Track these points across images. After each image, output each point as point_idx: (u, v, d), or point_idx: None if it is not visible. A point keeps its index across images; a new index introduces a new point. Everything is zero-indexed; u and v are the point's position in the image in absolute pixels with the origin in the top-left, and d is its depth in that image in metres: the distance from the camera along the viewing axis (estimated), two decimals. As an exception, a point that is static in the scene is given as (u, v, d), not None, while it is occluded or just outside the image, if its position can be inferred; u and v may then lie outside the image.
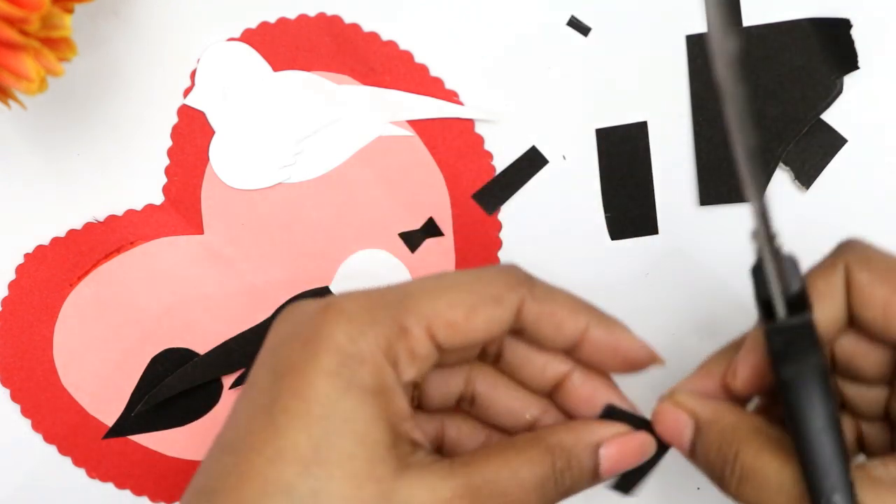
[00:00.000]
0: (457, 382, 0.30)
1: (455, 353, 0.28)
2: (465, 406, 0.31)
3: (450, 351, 0.28)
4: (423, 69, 0.38)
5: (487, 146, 0.39)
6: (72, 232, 0.39)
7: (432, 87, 0.38)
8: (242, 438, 0.26)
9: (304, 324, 0.27)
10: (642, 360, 0.30)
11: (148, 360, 0.40)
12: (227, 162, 0.38)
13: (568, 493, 0.29)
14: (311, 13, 0.38)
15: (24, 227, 0.39)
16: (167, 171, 0.39)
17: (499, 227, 0.39)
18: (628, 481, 0.31)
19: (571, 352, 0.30)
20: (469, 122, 0.39)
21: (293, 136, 0.38)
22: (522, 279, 0.29)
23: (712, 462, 0.29)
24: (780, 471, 0.26)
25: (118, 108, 0.38)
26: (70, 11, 0.31)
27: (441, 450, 0.31)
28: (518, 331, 0.29)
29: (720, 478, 0.28)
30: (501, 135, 0.39)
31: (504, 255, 0.39)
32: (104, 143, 0.39)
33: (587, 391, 0.30)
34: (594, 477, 0.29)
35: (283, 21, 0.38)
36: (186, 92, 0.38)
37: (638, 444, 0.30)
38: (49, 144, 0.38)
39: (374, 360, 0.26)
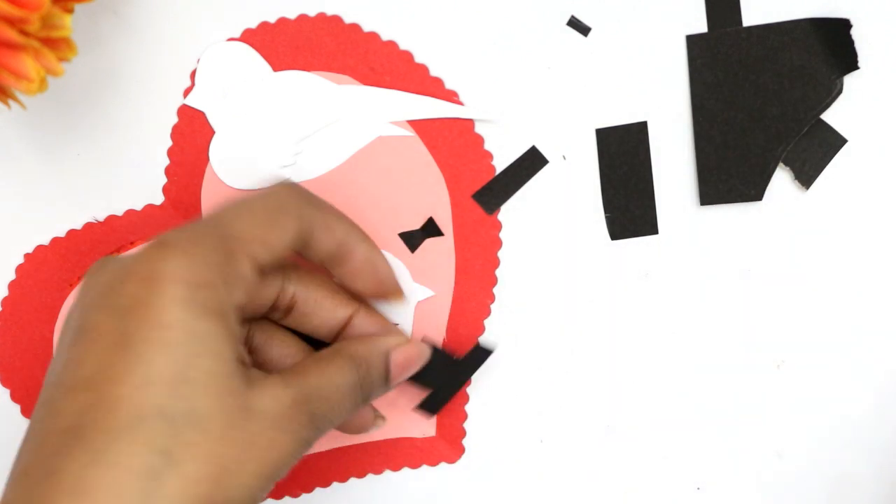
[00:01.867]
0: (269, 294, 0.33)
1: (266, 269, 0.32)
2: (276, 316, 0.35)
3: (264, 267, 0.31)
4: (423, 69, 0.38)
5: (487, 146, 0.39)
6: (72, 232, 0.39)
7: (432, 87, 0.38)
8: (99, 374, 0.27)
9: (136, 265, 0.29)
10: (389, 287, 0.36)
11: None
12: (226, 162, 0.38)
13: (369, 397, 0.34)
14: (311, 13, 0.38)
15: (23, 227, 0.39)
16: (167, 172, 0.39)
17: (499, 226, 0.39)
18: (432, 403, 0.38)
19: (338, 263, 0.34)
20: (469, 122, 0.39)
21: (293, 136, 0.38)
22: (302, 192, 0.33)
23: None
24: None
25: (118, 107, 0.38)
26: (70, 11, 0.31)
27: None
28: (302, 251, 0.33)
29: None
30: (501, 135, 0.39)
31: (504, 255, 0.39)
32: (104, 142, 0.39)
33: (368, 329, 0.35)
34: (386, 381, 0.35)
35: (283, 21, 0.38)
36: (186, 92, 0.38)
37: (417, 352, 0.36)
38: (49, 144, 0.38)
39: (215, 285, 0.29)
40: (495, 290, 0.39)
